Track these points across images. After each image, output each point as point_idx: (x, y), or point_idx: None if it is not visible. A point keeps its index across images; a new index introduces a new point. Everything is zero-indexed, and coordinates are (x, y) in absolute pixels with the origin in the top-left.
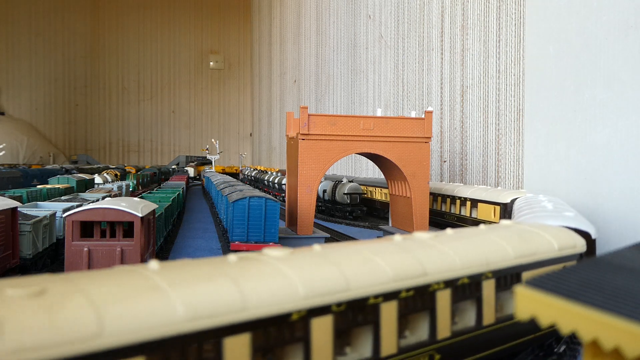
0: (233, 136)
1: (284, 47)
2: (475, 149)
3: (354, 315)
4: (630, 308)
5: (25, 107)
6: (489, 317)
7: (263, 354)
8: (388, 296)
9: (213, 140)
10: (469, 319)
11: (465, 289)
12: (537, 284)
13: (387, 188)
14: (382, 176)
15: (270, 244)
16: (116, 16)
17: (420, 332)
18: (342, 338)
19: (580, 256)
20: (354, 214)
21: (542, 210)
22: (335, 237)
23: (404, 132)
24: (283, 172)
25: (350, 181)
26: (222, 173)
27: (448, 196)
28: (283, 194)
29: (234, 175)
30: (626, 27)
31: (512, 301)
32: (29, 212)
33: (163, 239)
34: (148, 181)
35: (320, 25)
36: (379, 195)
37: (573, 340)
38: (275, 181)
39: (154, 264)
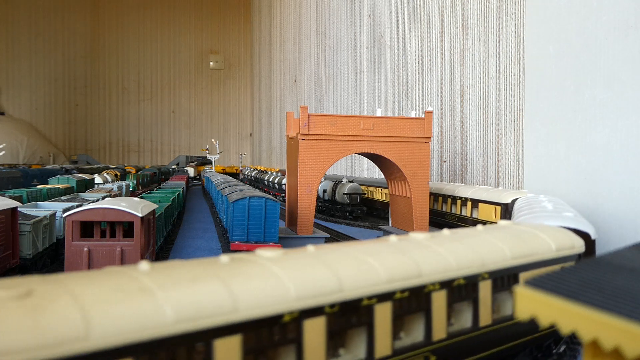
0: (233, 136)
1: (284, 47)
2: (475, 149)
3: (348, 317)
4: (630, 308)
5: (25, 107)
6: (485, 319)
7: (255, 356)
8: (382, 297)
9: (213, 140)
10: (465, 320)
11: (461, 290)
12: (537, 283)
13: (387, 188)
14: (382, 176)
15: (271, 244)
16: (116, 16)
17: (415, 334)
18: (335, 340)
19: (579, 257)
20: (354, 214)
21: (542, 211)
22: (335, 237)
23: (404, 132)
24: (283, 172)
25: (350, 181)
26: (222, 173)
27: (449, 196)
28: (283, 194)
29: (234, 175)
30: (626, 27)
31: (509, 302)
32: (29, 212)
33: (163, 239)
34: (148, 181)
35: (320, 25)
36: (379, 195)
37: (573, 340)
38: (275, 181)
39: (144, 265)
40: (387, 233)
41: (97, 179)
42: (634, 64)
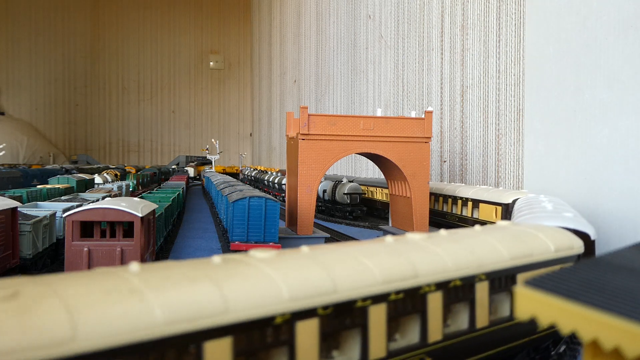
0: (233, 136)
1: (284, 47)
2: (475, 149)
3: (342, 318)
4: (630, 308)
5: (25, 107)
6: (482, 320)
7: (246, 358)
8: (377, 299)
9: (213, 140)
10: (461, 321)
11: (458, 291)
12: (537, 284)
13: (387, 188)
14: (382, 176)
15: (271, 244)
16: (116, 16)
17: (410, 335)
18: (329, 342)
19: (578, 258)
20: (354, 214)
21: (542, 211)
22: (335, 237)
23: (404, 132)
24: (283, 172)
25: (350, 181)
26: (222, 173)
27: (449, 196)
28: (283, 194)
29: (234, 175)
30: (626, 27)
31: (506, 304)
32: (29, 212)
33: (163, 239)
34: (148, 181)
35: (320, 25)
36: (379, 195)
37: (573, 341)
38: (275, 181)
39: (134, 266)
40: (387, 233)
41: (97, 179)
42: (634, 63)
